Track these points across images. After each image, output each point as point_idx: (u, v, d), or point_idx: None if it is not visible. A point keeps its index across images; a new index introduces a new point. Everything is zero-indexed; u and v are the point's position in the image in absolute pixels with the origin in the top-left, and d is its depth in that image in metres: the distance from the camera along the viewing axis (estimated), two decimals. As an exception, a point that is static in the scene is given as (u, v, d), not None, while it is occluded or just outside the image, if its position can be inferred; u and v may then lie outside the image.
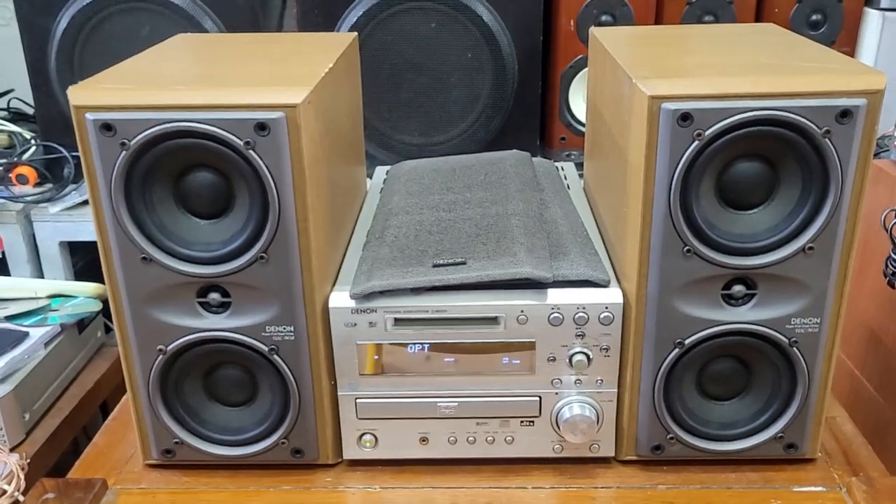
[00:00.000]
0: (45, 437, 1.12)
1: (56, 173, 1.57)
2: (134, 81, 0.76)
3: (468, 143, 1.56)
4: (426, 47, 1.51)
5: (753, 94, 0.70)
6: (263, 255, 0.75)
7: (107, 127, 0.71)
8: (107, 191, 0.73)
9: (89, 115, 0.71)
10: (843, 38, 1.61)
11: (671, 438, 0.82)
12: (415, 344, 0.80)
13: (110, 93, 0.72)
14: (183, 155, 0.73)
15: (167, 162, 0.73)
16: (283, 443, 0.83)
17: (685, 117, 0.70)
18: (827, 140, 0.70)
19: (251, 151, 0.71)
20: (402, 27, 1.49)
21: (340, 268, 0.86)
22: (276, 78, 0.78)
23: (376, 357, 0.81)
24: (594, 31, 0.97)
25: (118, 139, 0.71)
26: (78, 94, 0.72)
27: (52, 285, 1.38)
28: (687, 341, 0.78)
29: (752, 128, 0.70)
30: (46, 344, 1.20)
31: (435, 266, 0.79)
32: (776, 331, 0.78)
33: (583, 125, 1.61)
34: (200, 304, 0.79)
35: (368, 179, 1.14)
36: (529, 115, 1.58)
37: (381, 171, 1.13)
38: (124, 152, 0.72)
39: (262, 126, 0.71)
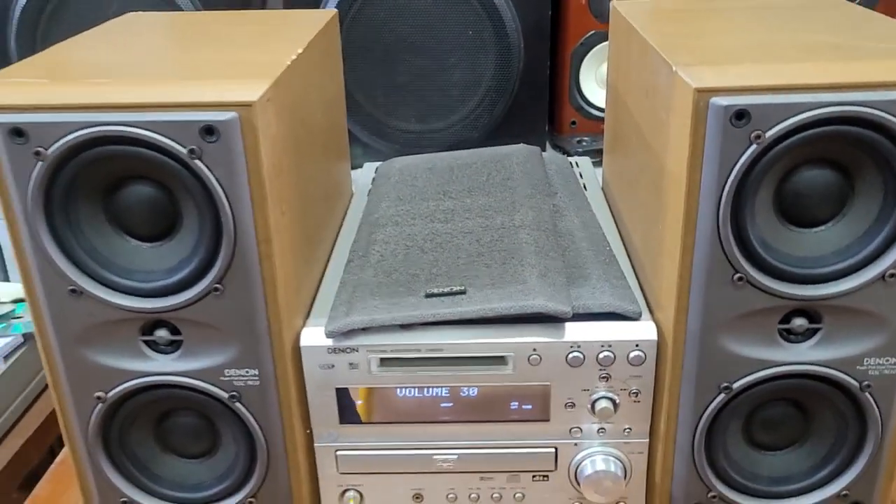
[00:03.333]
0: (7, 460, 1.06)
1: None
2: (53, 74, 0.62)
3: (471, 129, 1.43)
4: (423, 24, 1.37)
5: (826, 85, 0.55)
6: (218, 285, 0.62)
7: (17, 132, 0.57)
8: (22, 209, 0.60)
9: (-6, 118, 0.57)
10: (883, 6, 1.46)
11: (713, 497, 0.69)
12: (405, 388, 0.67)
13: (20, 89, 0.58)
14: (114, 165, 0.59)
15: (95, 174, 0.60)
16: (250, 502, 0.71)
17: (740, 115, 0.56)
18: (918, 142, 0.56)
19: (197, 161, 0.58)
20: (397, 2, 1.35)
21: (316, 294, 0.72)
22: (230, 68, 0.64)
23: (359, 403, 0.68)
24: (616, 4, 0.83)
25: (31, 147, 0.58)
26: (-20, 92, 0.58)
27: (18, 289, 1.27)
28: (735, 385, 0.65)
29: (825, 128, 0.56)
30: (6, 357, 1.12)
31: (428, 296, 0.66)
32: (845, 373, 0.64)
33: (595, 108, 1.48)
34: (146, 343, 0.66)
35: (358, 170, 1.00)
36: (537, 98, 1.45)
37: (369, 169, 0.99)
38: (40, 163, 0.58)
39: (209, 130, 0.57)
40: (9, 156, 0.58)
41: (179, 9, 1.34)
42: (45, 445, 1.18)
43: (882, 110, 0.55)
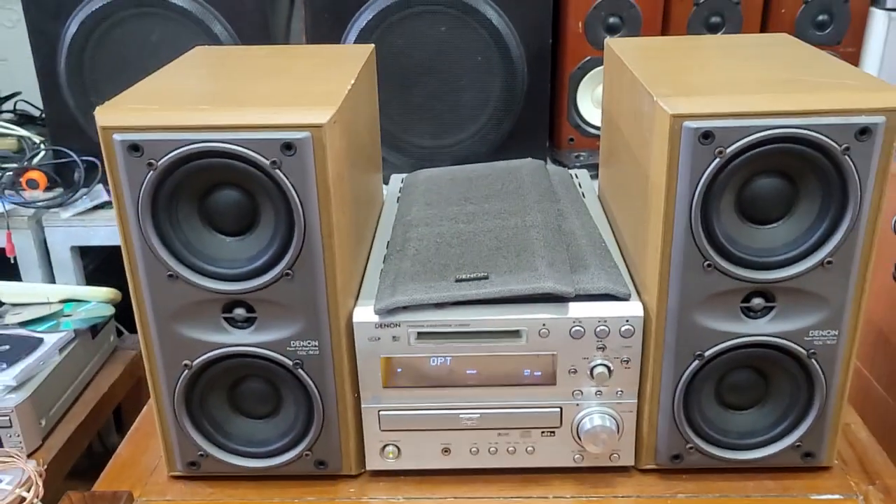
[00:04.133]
0: (62, 443, 1.14)
1: (66, 177, 1.57)
2: (159, 101, 0.76)
3: (479, 144, 1.57)
4: (436, 50, 1.51)
5: (774, 112, 0.70)
6: (289, 271, 0.76)
7: (134, 147, 0.72)
8: (134, 210, 0.74)
9: (117, 136, 0.72)
10: (849, 38, 1.61)
11: (690, 448, 0.83)
12: (437, 357, 0.81)
13: (137, 113, 0.73)
14: (209, 174, 0.74)
15: (193, 181, 0.74)
16: (307, 455, 0.84)
17: (707, 135, 0.71)
18: (846, 157, 0.71)
19: (277, 171, 0.72)
20: (412, 30, 1.49)
21: (362, 281, 0.87)
22: (301, 97, 0.78)
23: (399, 370, 0.82)
24: (610, 42, 0.98)
25: (146, 160, 0.72)
26: (105, 115, 0.72)
27: (65, 290, 1.38)
28: (707, 353, 0.79)
29: (773, 145, 0.71)
30: (61, 350, 1.21)
31: (458, 281, 0.80)
32: (795, 343, 0.79)
33: (591, 126, 1.62)
34: (226, 319, 0.80)
35: (384, 185, 1.14)
36: (539, 117, 1.58)
37: (396, 180, 1.13)
38: (151, 172, 0.73)
39: (288, 146, 0.71)
40: (126, 166, 0.72)
41: (218, 40, 1.48)
42: (94, 431, 1.28)
43: (818, 132, 0.70)
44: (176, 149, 0.72)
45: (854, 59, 1.61)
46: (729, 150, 0.71)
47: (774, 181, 0.74)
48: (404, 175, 1.13)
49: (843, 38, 1.60)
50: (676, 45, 0.96)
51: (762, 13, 1.58)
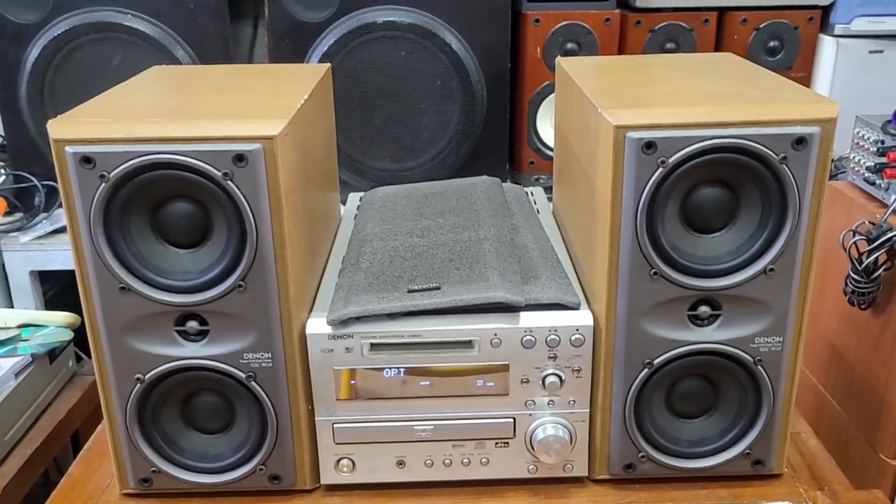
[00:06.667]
0: (17, 469, 1.13)
1: (26, 202, 1.57)
2: (112, 114, 0.77)
3: (439, 168, 1.59)
4: (396, 75, 1.53)
5: (714, 122, 0.73)
6: (241, 283, 0.77)
7: (86, 160, 0.72)
8: (86, 222, 0.74)
9: (69, 149, 0.72)
10: (800, 63, 1.66)
11: (642, 457, 0.84)
12: (391, 368, 0.82)
13: (89, 126, 0.73)
14: (161, 186, 0.74)
15: (145, 193, 0.75)
16: (260, 469, 0.84)
17: (649, 145, 0.72)
18: (784, 166, 0.73)
19: (229, 182, 0.73)
20: (373, 55, 1.52)
21: (317, 294, 0.87)
22: (254, 110, 0.79)
23: (353, 382, 0.82)
24: (561, 61, 1.00)
25: (97, 171, 0.73)
26: (57, 128, 0.73)
27: (23, 315, 1.37)
28: (656, 361, 0.80)
29: (713, 155, 0.73)
30: (17, 374, 1.20)
31: (410, 291, 0.81)
32: (741, 350, 0.80)
33: (550, 149, 1.64)
34: (178, 332, 0.80)
35: (342, 206, 1.15)
36: (498, 141, 1.61)
37: (354, 198, 1.14)
38: (103, 184, 0.73)
39: (240, 157, 0.72)
40: (78, 179, 0.73)
41: (177, 60, 1.50)
42: (51, 457, 1.26)
43: (756, 142, 0.72)
44: (128, 161, 0.72)
45: (805, 83, 1.66)
46: (671, 159, 0.73)
47: (716, 191, 0.76)
48: (362, 193, 1.14)
49: (793, 62, 1.65)
50: (624, 63, 0.98)
51: (715, 39, 1.62)
